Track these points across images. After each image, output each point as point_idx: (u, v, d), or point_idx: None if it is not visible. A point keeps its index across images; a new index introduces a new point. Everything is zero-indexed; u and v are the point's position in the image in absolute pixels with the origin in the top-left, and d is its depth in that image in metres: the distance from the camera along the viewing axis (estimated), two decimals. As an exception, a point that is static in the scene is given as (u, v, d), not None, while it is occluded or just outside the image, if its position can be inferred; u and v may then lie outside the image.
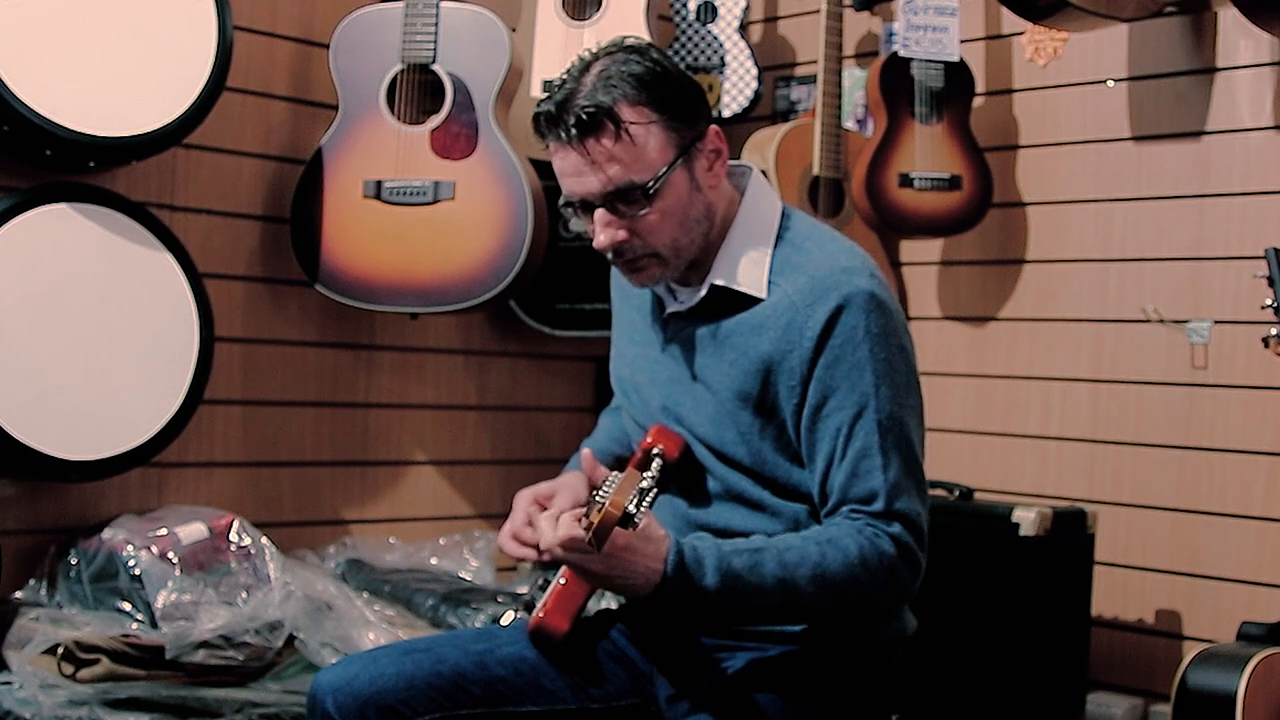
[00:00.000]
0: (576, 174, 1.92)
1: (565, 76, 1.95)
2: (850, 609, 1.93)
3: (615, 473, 1.81)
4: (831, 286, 1.92)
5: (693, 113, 1.96)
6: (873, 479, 1.89)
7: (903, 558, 1.89)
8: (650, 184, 1.91)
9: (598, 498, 1.72)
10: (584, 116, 1.88)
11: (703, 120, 1.97)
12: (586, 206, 1.95)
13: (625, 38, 1.99)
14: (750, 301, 1.98)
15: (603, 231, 1.94)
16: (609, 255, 1.97)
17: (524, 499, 2.08)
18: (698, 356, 2.02)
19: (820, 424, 1.92)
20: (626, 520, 1.65)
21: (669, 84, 1.94)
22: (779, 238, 2.00)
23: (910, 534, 1.90)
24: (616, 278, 2.23)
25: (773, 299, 1.96)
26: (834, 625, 1.97)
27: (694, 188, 1.96)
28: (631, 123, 1.89)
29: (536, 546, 2.00)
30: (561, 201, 1.98)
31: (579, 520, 1.76)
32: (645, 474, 1.72)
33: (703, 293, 2.00)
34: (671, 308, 2.06)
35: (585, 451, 2.05)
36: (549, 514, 1.83)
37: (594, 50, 1.97)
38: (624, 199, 1.92)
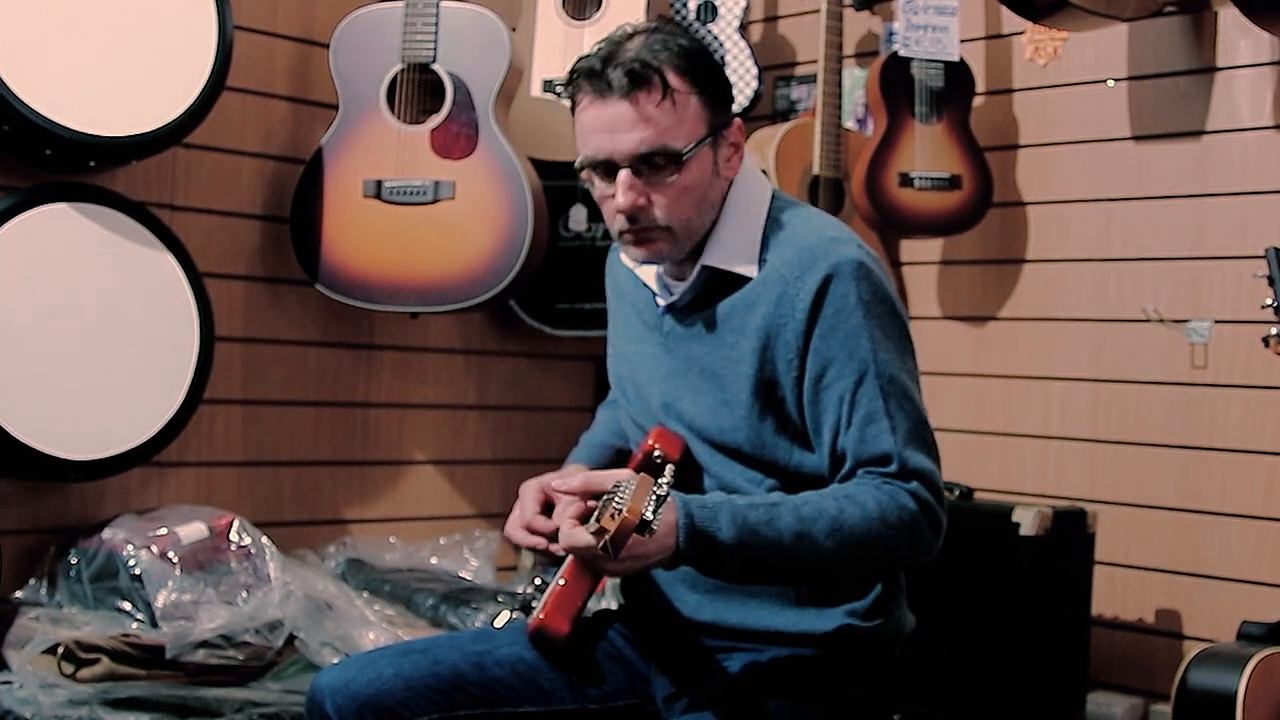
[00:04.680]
0: (611, 130, 1.91)
1: (604, 42, 1.95)
2: (871, 564, 1.92)
3: (627, 477, 1.79)
4: (819, 256, 1.92)
5: (725, 100, 1.99)
6: (883, 441, 1.88)
7: (924, 513, 1.88)
8: (683, 151, 1.91)
9: (615, 501, 1.70)
10: (636, 68, 1.88)
11: (730, 111, 2.00)
12: (610, 169, 1.93)
13: (664, 18, 2.00)
14: (742, 282, 1.98)
15: (624, 195, 1.92)
16: (621, 224, 1.96)
17: (531, 489, 2.07)
18: (695, 345, 2.02)
19: (823, 394, 1.91)
20: (644, 528, 1.65)
21: (710, 66, 1.96)
22: (768, 219, 2.01)
23: (928, 490, 1.89)
24: (611, 276, 2.23)
25: (762, 275, 1.96)
26: (856, 577, 1.97)
27: (714, 172, 1.97)
28: (676, 89, 1.90)
29: (546, 535, 2.00)
30: (580, 162, 1.96)
31: (587, 523, 1.75)
32: (661, 480, 1.71)
33: (695, 277, 2.00)
34: (667, 300, 2.06)
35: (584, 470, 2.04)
36: (571, 514, 1.82)
37: (634, 25, 1.98)
38: (652, 163, 1.91)
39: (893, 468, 1.88)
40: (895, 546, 1.88)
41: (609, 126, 1.91)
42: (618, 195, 1.93)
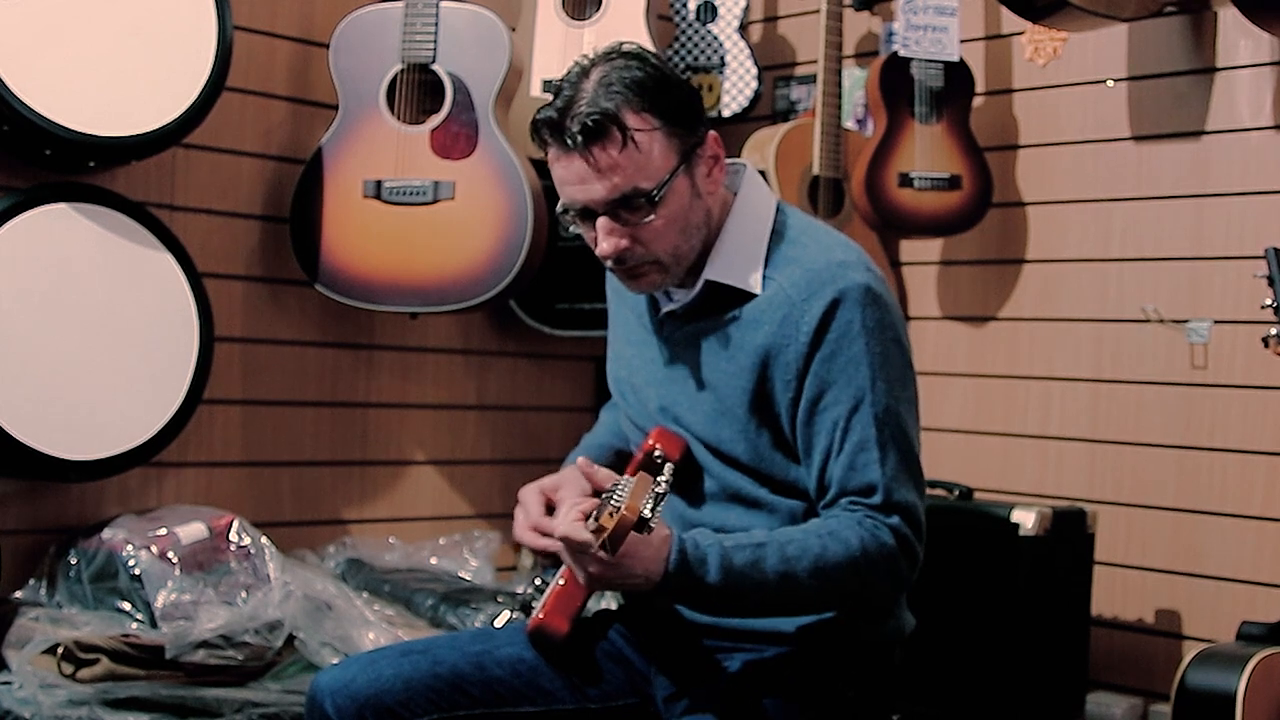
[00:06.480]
0: (579, 181, 1.90)
1: (563, 83, 1.93)
2: (849, 600, 1.93)
3: (625, 476, 1.79)
4: (827, 280, 1.92)
5: (693, 119, 1.95)
6: (870, 471, 1.89)
7: (902, 549, 1.89)
8: (655, 191, 1.89)
9: (613, 500, 1.70)
10: (589, 123, 1.86)
11: (702, 126, 1.96)
12: (588, 214, 1.93)
13: (622, 43, 1.98)
14: (745, 297, 1.97)
15: (605, 240, 1.92)
16: (609, 263, 1.97)
17: (532, 492, 2.08)
18: (694, 355, 2.02)
19: (817, 418, 1.92)
20: (642, 525, 1.64)
21: (670, 90, 1.93)
22: (774, 233, 2.00)
23: (908, 526, 1.90)
24: (612, 279, 2.23)
25: (768, 293, 1.96)
26: (833, 613, 1.98)
27: (694, 194, 1.95)
28: (636, 129, 1.88)
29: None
30: (560, 208, 1.96)
31: (587, 520, 1.75)
32: (659, 478, 1.70)
33: (697, 290, 2.00)
34: (666, 307, 2.06)
35: (580, 460, 2.04)
36: (570, 506, 1.81)
37: (591, 56, 1.95)
38: (628, 206, 1.90)
39: (877, 499, 1.89)
40: (873, 583, 1.89)
41: (577, 179, 1.90)
42: (599, 241, 1.94)
